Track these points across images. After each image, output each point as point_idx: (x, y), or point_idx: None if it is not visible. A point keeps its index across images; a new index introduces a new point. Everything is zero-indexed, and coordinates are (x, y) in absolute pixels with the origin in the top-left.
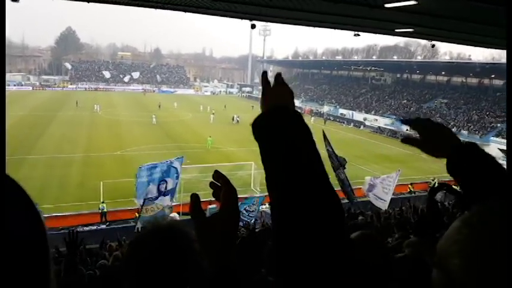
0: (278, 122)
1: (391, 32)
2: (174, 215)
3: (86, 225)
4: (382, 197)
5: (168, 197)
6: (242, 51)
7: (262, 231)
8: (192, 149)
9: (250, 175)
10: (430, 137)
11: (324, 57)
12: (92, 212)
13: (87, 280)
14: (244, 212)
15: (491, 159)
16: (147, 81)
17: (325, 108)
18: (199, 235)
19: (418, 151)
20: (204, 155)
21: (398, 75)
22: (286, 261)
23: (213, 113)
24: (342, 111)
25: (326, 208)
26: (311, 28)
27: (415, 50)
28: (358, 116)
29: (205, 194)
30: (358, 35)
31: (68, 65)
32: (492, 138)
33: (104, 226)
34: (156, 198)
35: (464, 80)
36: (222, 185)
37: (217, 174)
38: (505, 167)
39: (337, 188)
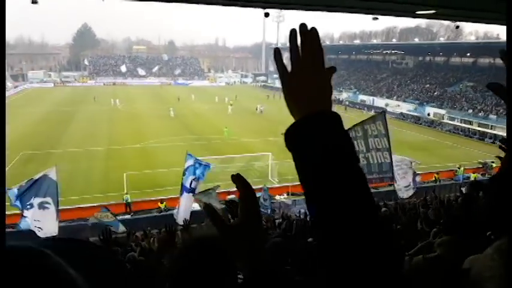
0: (314, 132)
1: (411, 15)
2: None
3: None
4: (404, 184)
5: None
6: (256, 39)
7: (292, 235)
8: (209, 141)
9: (268, 166)
10: None
11: (341, 42)
12: (117, 203)
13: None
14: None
15: None
16: (163, 74)
17: (344, 95)
18: (227, 243)
19: (442, 138)
20: (221, 146)
21: (420, 58)
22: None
23: (231, 104)
24: (362, 97)
25: (372, 226)
26: (326, 12)
27: (438, 31)
28: (380, 101)
29: (225, 185)
30: (377, 18)
31: (86, 61)
32: None
33: (128, 216)
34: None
35: (492, 61)
36: (240, 188)
37: (237, 178)
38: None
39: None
